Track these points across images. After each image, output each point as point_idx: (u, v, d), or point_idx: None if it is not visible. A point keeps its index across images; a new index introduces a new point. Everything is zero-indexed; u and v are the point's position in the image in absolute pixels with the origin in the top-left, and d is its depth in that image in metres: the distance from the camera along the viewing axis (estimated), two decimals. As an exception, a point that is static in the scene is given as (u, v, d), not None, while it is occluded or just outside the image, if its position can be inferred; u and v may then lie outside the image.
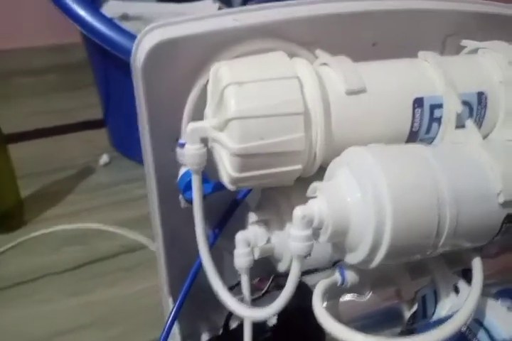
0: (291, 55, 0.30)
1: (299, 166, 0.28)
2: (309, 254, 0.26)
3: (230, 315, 0.44)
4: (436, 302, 0.34)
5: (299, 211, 0.25)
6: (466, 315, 0.27)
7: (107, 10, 0.83)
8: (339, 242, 0.27)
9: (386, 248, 0.25)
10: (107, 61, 0.80)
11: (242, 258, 0.32)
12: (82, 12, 0.68)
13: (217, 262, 0.43)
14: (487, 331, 0.31)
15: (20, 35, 1.26)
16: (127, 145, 0.89)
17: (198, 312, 0.45)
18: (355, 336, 0.25)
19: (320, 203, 0.26)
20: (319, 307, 0.27)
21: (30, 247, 0.73)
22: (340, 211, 0.26)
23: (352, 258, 0.27)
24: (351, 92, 0.29)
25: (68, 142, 0.97)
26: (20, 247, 0.73)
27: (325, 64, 0.30)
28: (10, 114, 0.92)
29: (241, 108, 0.26)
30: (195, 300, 0.40)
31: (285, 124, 0.27)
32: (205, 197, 0.33)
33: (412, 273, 0.33)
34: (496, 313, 0.31)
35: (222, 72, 0.27)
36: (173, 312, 0.37)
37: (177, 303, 0.36)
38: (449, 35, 0.37)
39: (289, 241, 0.26)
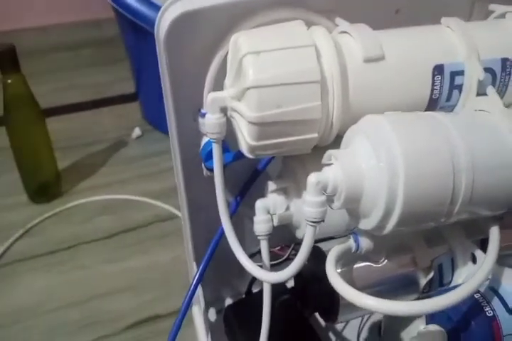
0: (311, 24, 0.30)
1: (315, 135, 0.29)
2: (323, 220, 0.27)
3: (253, 281, 0.45)
4: (453, 270, 0.34)
5: (313, 177, 0.26)
6: (478, 281, 0.27)
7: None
8: (353, 208, 0.28)
9: (399, 214, 0.25)
10: (139, 35, 0.81)
11: (261, 224, 0.33)
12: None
13: (240, 230, 0.44)
14: (501, 299, 0.31)
15: (55, 12, 1.28)
16: (159, 119, 0.90)
17: (221, 279, 0.47)
18: (365, 298, 0.25)
19: (334, 170, 0.26)
20: (332, 271, 0.27)
21: (66, 217, 0.77)
22: (354, 177, 0.26)
23: (365, 224, 0.27)
24: (369, 60, 0.29)
25: (102, 116, 1.00)
26: (58, 217, 0.77)
27: (344, 32, 0.30)
28: (46, 89, 0.95)
29: (258, 77, 0.27)
30: (218, 267, 0.42)
31: (302, 93, 0.27)
32: (226, 166, 0.34)
33: (429, 241, 0.33)
34: (511, 281, 0.32)
35: (241, 42, 0.28)
36: (196, 276, 0.38)
37: (200, 267, 0.38)
38: (477, -1, 0.36)
39: (303, 207, 0.26)
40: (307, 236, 0.27)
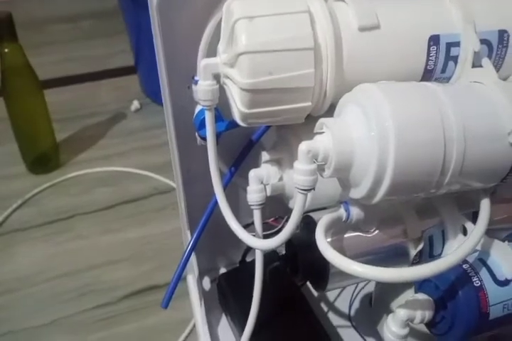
0: (306, -9, 0.30)
1: (308, 103, 0.29)
2: (313, 188, 0.27)
3: (247, 251, 0.46)
4: (443, 242, 0.34)
5: (304, 146, 0.26)
6: (465, 251, 0.27)
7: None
8: (344, 177, 0.28)
9: (388, 183, 0.26)
10: (137, 7, 0.80)
11: (254, 194, 0.34)
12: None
13: (235, 201, 0.44)
14: (489, 270, 0.31)
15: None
16: (157, 91, 0.90)
17: (216, 248, 0.47)
18: (351, 264, 0.26)
19: (325, 138, 0.26)
20: (321, 238, 0.28)
21: (65, 188, 0.77)
22: (345, 146, 0.26)
23: (356, 193, 0.28)
24: (364, 28, 0.28)
25: (101, 88, 0.99)
26: (56, 188, 0.77)
27: (340, 0, 0.30)
28: (45, 61, 0.94)
29: (250, 42, 0.26)
30: (213, 236, 0.42)
31: (295, 59, 0.27)
32: (220, 135, 0.34)
33: (421, 212, 0.34)
34: (500, 253, 0.32)
35: (233, 7, 0.27)
36: (190, 244, 0.39)
37: (194, 235, 0.38)
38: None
39: (294, 175, 0.26)
40: (297, 204, 0.27)
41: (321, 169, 0.27)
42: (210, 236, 0.41)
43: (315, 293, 0.48)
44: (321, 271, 0.32)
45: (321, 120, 0.27)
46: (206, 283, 0.49)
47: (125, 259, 0.66)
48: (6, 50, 0.67)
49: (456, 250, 0.28)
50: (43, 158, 0.79)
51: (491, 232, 0.32)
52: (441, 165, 0.26)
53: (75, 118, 0.90)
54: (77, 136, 0.87)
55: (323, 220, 0.30)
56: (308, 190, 0.27)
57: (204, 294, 0.46)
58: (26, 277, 0.64)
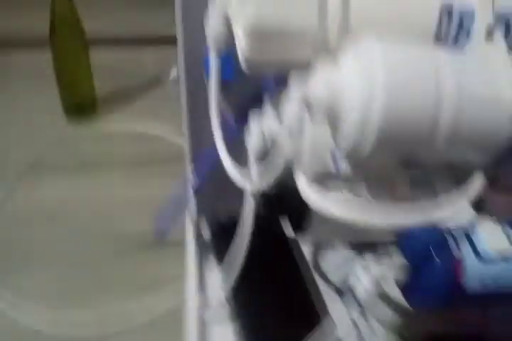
0: None
1: (312, 48, 0.29)
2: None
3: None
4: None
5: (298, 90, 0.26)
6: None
7: None
8: (334, 126, 0.28)
9: (376, 130, 0.25)
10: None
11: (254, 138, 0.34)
12: None
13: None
14: (472, 244, 0.31)
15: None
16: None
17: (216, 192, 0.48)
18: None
19: (318, 82, 0.27)
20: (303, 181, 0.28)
21: (98, 141, 0.80)
22: (335, 90, 0.26)
23: (344, 141, 0.27)
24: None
25: (143, 53, 1.02)
26: (90, 139, 0.80)
27: None
28: (95, 21, 0.97)
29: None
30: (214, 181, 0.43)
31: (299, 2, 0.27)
32: (227, 82, 0.35)
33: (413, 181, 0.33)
34: (486, 229, 0.31)
35: None
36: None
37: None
38: None
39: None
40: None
41: (313, 114, 0.27)
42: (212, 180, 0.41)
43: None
44: (301, 207, 0.32)
45: (316, 65, 0.28)
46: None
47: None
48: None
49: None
50: (79, 109, 0.83)
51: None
52: (431, 117, 0.26)
53: (115, 78, 0.92)
54: (115, 96, 0.89)
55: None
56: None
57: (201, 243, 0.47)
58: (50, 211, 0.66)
